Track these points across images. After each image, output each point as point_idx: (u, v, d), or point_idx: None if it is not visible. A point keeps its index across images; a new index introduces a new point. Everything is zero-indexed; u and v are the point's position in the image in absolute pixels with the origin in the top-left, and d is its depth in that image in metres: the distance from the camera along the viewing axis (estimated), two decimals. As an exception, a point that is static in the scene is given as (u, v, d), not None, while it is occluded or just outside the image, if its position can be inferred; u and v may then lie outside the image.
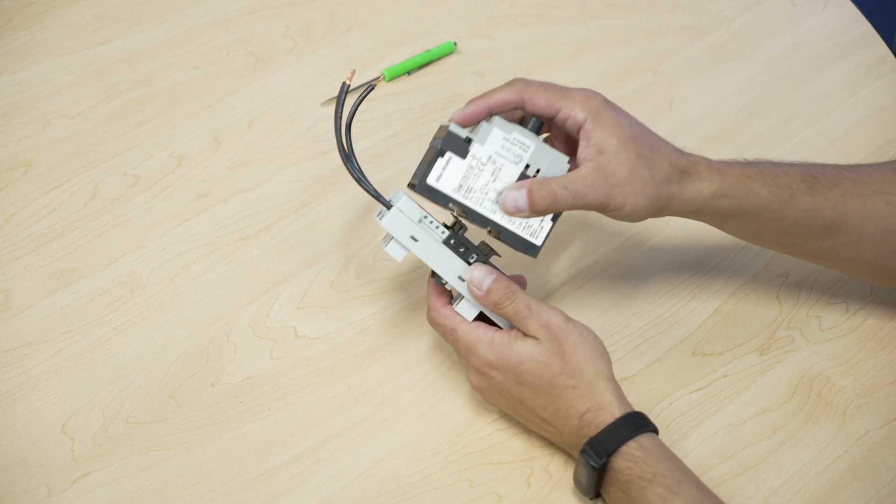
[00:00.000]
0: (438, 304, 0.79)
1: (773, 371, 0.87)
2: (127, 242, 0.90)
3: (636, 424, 0.73)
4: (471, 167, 0.75)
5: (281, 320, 0.87)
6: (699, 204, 0.77)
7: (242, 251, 0.91)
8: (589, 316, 0.89)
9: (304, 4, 1.08)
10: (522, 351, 0.75)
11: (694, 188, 0.77)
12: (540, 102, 0.76)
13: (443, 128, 0.77)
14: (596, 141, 0.75)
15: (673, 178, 0.76)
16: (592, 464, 0.73)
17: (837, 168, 0.81)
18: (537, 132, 0.77)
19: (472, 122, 0.76)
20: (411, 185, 0.77)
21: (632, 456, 0.72)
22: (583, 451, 0.73)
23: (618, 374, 0.84)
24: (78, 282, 0.88)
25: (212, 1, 1.07)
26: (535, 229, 0.77)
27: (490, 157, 0.75)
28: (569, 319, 0.76)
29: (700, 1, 1.13)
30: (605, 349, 0.77)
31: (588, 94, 0.77)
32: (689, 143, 1.01)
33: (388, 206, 0.76)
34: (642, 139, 0.76)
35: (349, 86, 0.77)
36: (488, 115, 0.76)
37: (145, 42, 1.03)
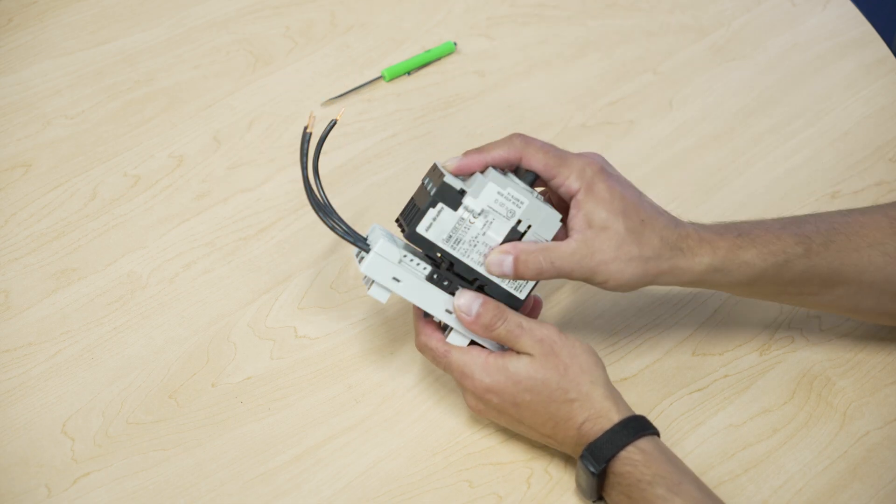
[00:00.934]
0: (427, 329, 0.78)
1: (773, 371, 0.87)
2: (127, 242, 0.90)
3: (635, 429, 0.73)
4: (462, 219, 0.74)
5: (281, 320, 0.87)
6: (690, 278, 0.77)
7: (242, 251, 0.91)
8: (589, 317, 0.89)
9: (304, 4, 1.08)
10: (518, 369, 0.75)
11: (685, 264, 0.76)
12: (537, 166, 0.76)
13: (436, 171, 0.76)
14: (585, 212, 0.75)
15: (663, 255, 0.76)
16: (592, 469, 0.73)
17: (829, 220, 0.80)
18: (532, 183, 0.76)
19: (467, 174, 0.76)
20: (400, 228, 0.76)
21: (631, 460, 0.72)
22: (582, 457, 0.74)
23: (618, 374, 0.84)
24: (78, 282, 0.87)
25: (212, 1, 1.07)
26: (519, 283, 0.76)
27: (483, 211, 0.74)
28: (561, 332, 0.76)
29: (700, 1, 1.13)
30: (598, 358, 0.77)
31: (585, 163, 0.76)
32: (689, 143, 1.01)
33: (367, 248, 0.75)
34: (633, 213, 0.75)
35: (310, 133, 0.75)
36: (483, 168, 0.76)
37: (145, 42, 1.03)
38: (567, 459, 0.80)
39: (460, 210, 0.74)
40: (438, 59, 1.04)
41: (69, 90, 0.99)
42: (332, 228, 0.75)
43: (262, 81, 1.02)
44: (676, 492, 0.71)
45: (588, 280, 0.76)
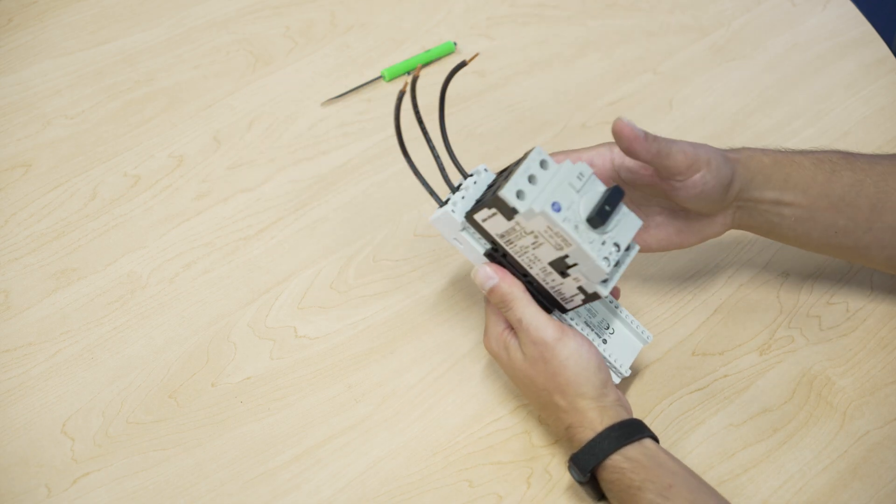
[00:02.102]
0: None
1: (773, 371, 0.87)
2: (127, 242, 0.90)
3: (620, 437, 0.73)
4: (514, 229, 0.73)
5: (281, 320, 0.87)
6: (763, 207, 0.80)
7: (242, 251, 0.91)
8: (589, 316, 0.89)
9: (304, 4, 1.08)
10: (515, 358, 0.77)
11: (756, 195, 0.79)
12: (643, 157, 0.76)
13: (521, 164, 0.73)
14: (659, 144, 0.75)
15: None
16: (577, 479, 0.75)
17: (870, 154, 0.82)
18: (607, 214, 0.72)
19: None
20: (468, 213, 0.75)
21: (617, 468, 0.73)
22: (568, 467, 0.75)
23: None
24: (78, 282, 0.88)
25: (212, 1, 1.07)
26: (567, 298, 0.77)
27: (533, 232, 0.72)
28: (560, 336, 0.75)
29: (700, 1, 1.13)
30: (598, 362, 0.76)
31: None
32: (689, 143, 1.01)
33: (441, 203, 0.77)
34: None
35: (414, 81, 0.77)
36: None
37: (145, 42, 1.03)
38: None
39: (512, 222, 0.73)
40: (438, 58, 1.04)
41: (69, 90, 0.99)
42: (416, 174, 0.78)
43: (262, 81, 1.02)
44: (667, 496, 0.71)
45: (688, 168, 0.76)
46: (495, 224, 0.73)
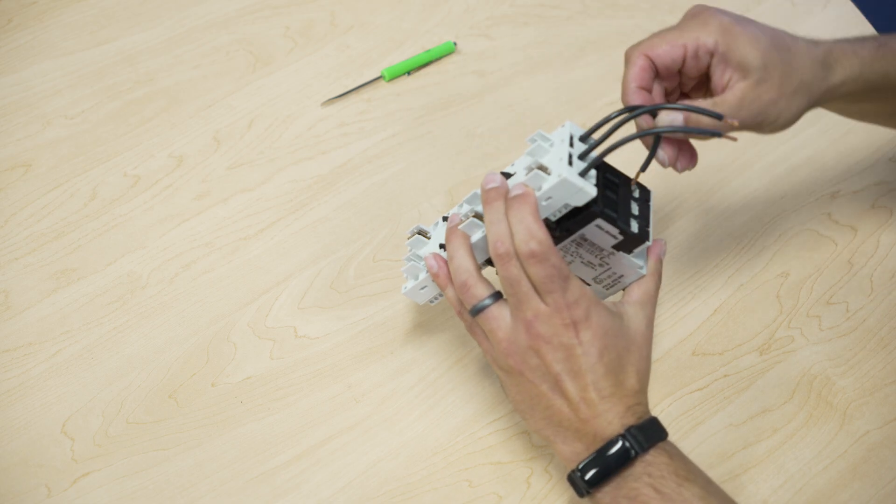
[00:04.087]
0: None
1: (773, 371, 0.87)
2: (127, 242, 0.90)
3: (663, 429, 0.69)
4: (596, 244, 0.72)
5: (281, 320, 0.87)
6: (844, 91, 0.76)
7: (242, 251, 0.91)
8: (589, 316, 0.89)
9: (304, 4, 1.08)
10: (633, 323, 0.72)
11: (837, 79, 0.75)
12: (666, 59, 0.73)
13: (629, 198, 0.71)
14: (736, 60, 0.72)
15: (818, 76, 0.74)
16: (633, 450, 0.68)
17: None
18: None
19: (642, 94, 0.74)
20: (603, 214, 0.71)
21: (668, 451, 0.68)
22: (622, 437, 0.68)
23: (618, 374, 0.84)
24: (78, 282, 0.88)
25: (212, 1, 1.07)
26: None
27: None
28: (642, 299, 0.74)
29: (700, 1, 1.13)
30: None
31: (704, 18, 0.73)
32: (689, 143, 1.01)
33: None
34: (780, 43, 0.73)
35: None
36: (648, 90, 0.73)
37: (145, 42, 1.03)
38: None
39: (609, 250, 0.72)
40: (438, 59, 1.04)
41: (69, 90, 0.99)
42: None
43: (262, 81, 1.02)
44: (713, 491, 0.68)
45: (757, 127, 0.73)
46: (597, 235, 0.71)
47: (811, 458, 0.82)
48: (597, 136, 0.71)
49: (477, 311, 0.71)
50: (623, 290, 0.75)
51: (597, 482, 0.68)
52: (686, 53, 0.73)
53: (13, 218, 0.91)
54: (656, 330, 0.88)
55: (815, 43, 0.76)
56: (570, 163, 0.68)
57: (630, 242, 0.71)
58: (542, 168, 0.68)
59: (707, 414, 0.84)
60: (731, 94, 0.72)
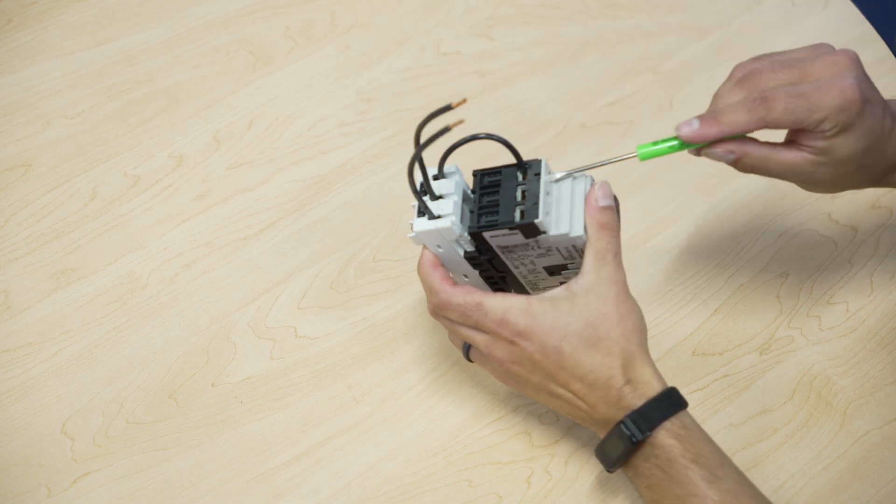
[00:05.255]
0: (447, 285, 0.72)
1: (773, 371, 0.87)
2: (127, 242, 0.90)
3: (677, 401, 0.70)
4: (527, 244, 0.72)
5: (281, 320, 0.87)
6: None
7: (242, 251, 0.91)
8: (589, 316, 0.89)
9: (304, 4, 1.08)
10: (590, 296, 0.70)
11: None
12: (785, 123, 0.69)
13: (531, 183, 0.71)
14: (830, 147, 0.70)
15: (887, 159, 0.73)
16: (632, 437, 0.68)
17: None
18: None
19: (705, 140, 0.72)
20: (474, 231, 0.71)
21: (675, 433, 0.68)
22: (622, 423, 0.69)
23: (618, 374, 0.84)
24: (78, 282, 0.88)
25: (212, 1, 1.07)
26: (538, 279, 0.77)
27: (549, 247, 0.72)
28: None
29: (700, 1, 1.13)
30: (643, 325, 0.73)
31: (840, 94, 0.68)
32: (689, 143, 1.01)
33: (431, 216, 0.71)
34: (878, 134, 0.70)
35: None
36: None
37: (145, 42, 1.03)
38: (568, 458, 0.80)
39: (531, 240, 0.71)
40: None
41: (69, 90, 0.99)
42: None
43: (262, 81, 1.02)
44: (720, 475, 0.68)
45: (805, 181, 0.73)
46: (506, 240, 0.72)
47: (811, 458, 0.82)
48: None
49: (465, 353, 0.76)
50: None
51: (611, 466, 0.71)
52: (803, 132, 0.71)
53: (13, 218, 0.91)
54: (656, 329, 0.88)
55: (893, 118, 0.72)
56: (421, 213, 0.71)
57: (528, 228, 0.70)
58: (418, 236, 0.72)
59: (707, 414, 0.84)
60: (795, 154, 0.71)
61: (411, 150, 0.92)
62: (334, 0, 1.08)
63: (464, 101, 0.67)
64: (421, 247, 0.74)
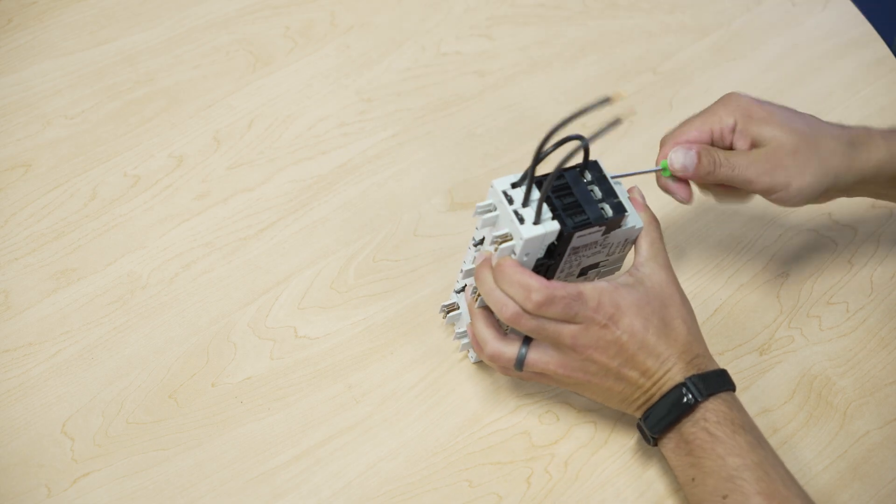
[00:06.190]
0: (544, 280, 0.71)
1: (773, 371, 0.87)
2: (127, 242, 0.90)
3: (730, 381, 0.74)
4: (596, 242, 0.74)
5: (281, 320, 0.87)
6: (869, 172, 0.79)
7: (242, 251, 0.91)
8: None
9: (304, 4, 1.08)
10: (654, 279, 0.75)
11: (863, 157, 0.79)
12: (693, 139, 0.80)
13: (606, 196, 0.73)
14: (752, 135, 0.78)
15: (842, 154, 0.78)
16: (692, 398, 0.71)
17: None
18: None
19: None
20: (557, 218, 0.71)
21: (728, 402, 0.72)
22: (683, 385, 0.72)
23: (618, 374, 0.84)
24: (78, 282, 0.88)
25: (212, 1, 1.07)
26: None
27: (610, 244, 0.76)
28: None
29: (700, 1, 1.13)
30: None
31: (727, 100, 0.80)
32: (689, 143, 1.01)
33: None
34: (798, 120, 0.78)
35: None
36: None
37: (145, 42, 1.03)
38: (567, 458, 0.80)
39: (607, 236, 0.74)
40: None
41: (69, 90, 0.99)
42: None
43: (262, 81, 1.02)
44: (763, 445, 0.71)
45: (767, 190, 0.77)
46: (584, 239, 0.73)
47: (811, 458, 0.82)
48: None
49: (519, 364, 0.74)
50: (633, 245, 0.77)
51: (659, 429, 0.73)
52: (713, 136, 0.79)
53: (13, 218, 0.91)
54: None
55: (843, 126, 0.80)
56: (522, 220, 0.70)
57: (614, 222, 0.73)
58: (504, 238, 0.71)
59: (707, 414, 0.84)
60: (745, 153, 0.78)
61: (411, 150, 0.93)
62: (334, 0, 1.08)
63: (622, 94, 0.76)
64: (475, 251, 0.75)
